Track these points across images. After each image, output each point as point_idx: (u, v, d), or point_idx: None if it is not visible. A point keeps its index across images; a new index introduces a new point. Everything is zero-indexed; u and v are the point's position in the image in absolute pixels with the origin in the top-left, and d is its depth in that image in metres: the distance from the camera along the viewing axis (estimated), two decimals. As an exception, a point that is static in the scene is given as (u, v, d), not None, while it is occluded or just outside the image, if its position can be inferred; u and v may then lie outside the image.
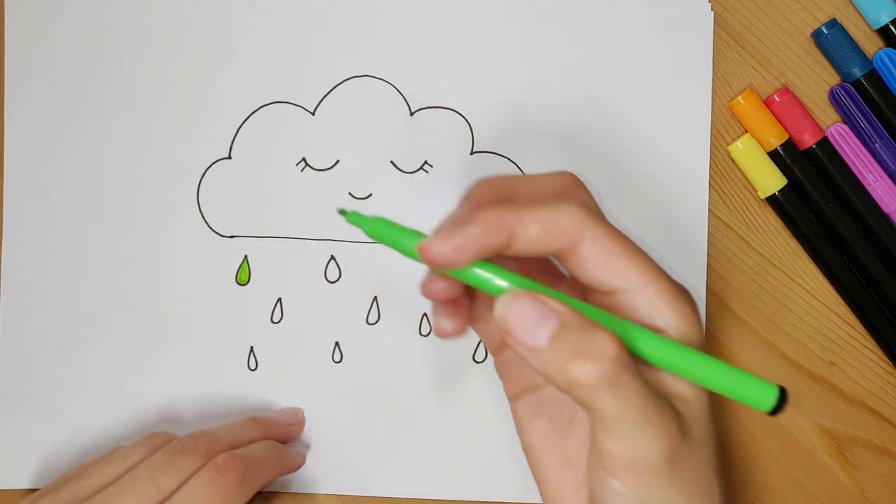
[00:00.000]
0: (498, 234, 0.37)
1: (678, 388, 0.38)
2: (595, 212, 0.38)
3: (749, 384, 0.37)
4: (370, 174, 0.52)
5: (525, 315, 0.36)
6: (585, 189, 0.41)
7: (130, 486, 0.45)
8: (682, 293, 0.38)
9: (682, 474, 0.36)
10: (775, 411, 0.37)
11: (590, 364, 0.35)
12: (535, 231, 0.37)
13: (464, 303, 0.41)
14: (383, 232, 0.39)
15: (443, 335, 0.40)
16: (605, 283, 0.37)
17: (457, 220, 0.37)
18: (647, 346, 0.37)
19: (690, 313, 0.38)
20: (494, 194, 0.40)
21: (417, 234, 0.38)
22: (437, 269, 0.39)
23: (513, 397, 0.43)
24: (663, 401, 0.36)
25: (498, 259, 0.38)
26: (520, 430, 0.42)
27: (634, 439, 0.35)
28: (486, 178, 0.41)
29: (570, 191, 0.40)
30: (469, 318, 0.41)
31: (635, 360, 0.36)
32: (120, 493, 0.45)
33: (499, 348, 0.43)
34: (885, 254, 0.52)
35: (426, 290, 0.39)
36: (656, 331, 0.37)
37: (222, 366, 0.52)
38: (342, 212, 0.39)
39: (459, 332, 0.40)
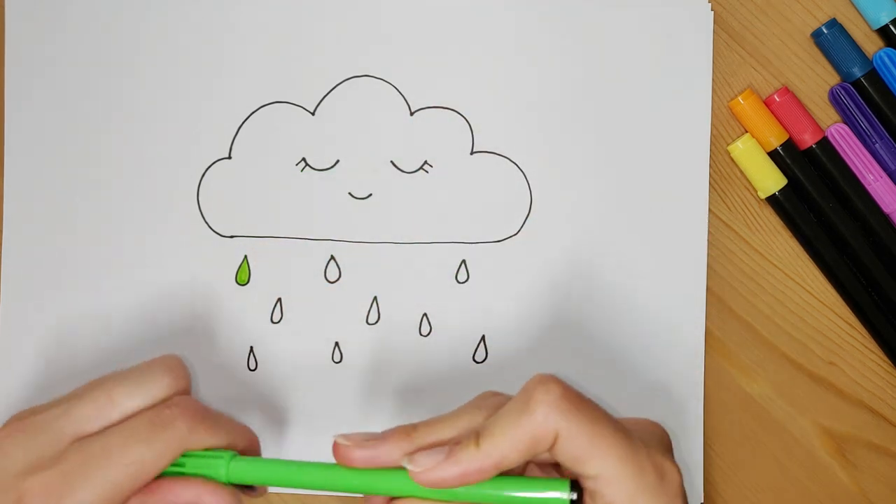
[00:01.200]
0: (482, 475, 0.40)
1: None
2: (564, 405, 0.40)
3: (545, 487, 0.40)
4: (370, 174, 0.52)
5: None
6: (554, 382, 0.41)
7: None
8: (661, 484, 0.40)
9: None
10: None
11: None
12: (515, 457, 0.40)
13: None
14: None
15: None
16: (583, 474, 0.40)
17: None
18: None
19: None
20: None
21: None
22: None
23: None
24: None
25: None
26: None
27: None
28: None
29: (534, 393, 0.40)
30: None
31: None
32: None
33: None
34: (885, 254, 0.52)
35: None
36: None
37: (222, 366, 0.52)
38: None
39: None
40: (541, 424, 0.39)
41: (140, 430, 0.42)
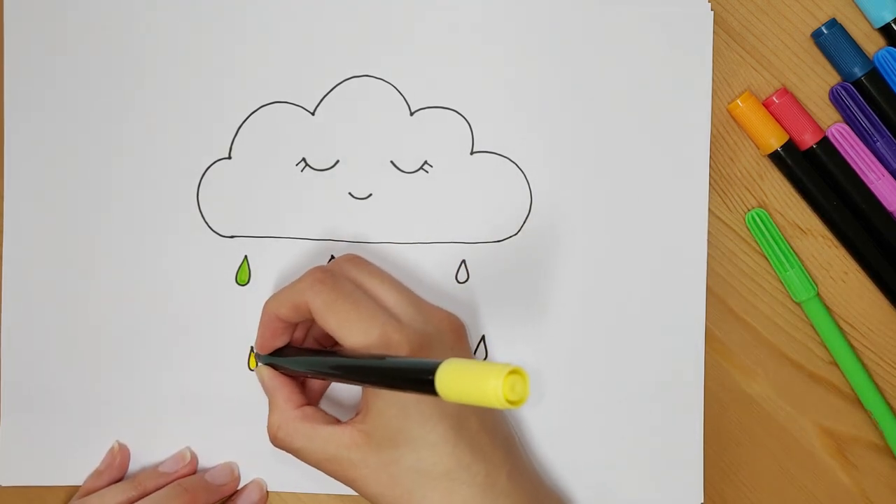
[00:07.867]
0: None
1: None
2: (318, 282, 0.46)
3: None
4: (370, 174, 0.52)
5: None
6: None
7: None
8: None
9: None
10: None
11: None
12: (286, 311, 0.47)
13: None
14: None
15: None
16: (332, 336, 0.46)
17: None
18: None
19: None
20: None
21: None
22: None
23: None
24: None
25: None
26: None
27: None
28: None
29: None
30: None
31: None
32: None
33: None
34: (888, 251, 0.52)
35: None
36: None
37: (222, 366, 0.52)
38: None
39: None
40: (298, 292, 0.46)
41: None
